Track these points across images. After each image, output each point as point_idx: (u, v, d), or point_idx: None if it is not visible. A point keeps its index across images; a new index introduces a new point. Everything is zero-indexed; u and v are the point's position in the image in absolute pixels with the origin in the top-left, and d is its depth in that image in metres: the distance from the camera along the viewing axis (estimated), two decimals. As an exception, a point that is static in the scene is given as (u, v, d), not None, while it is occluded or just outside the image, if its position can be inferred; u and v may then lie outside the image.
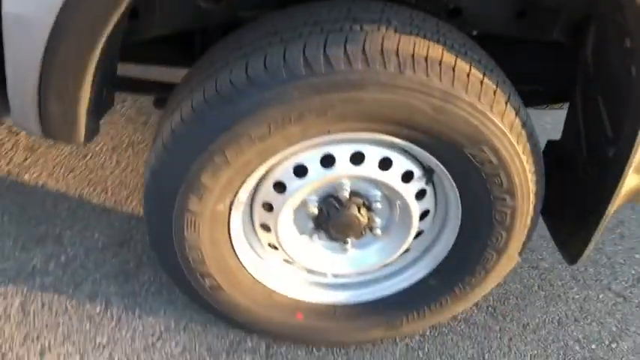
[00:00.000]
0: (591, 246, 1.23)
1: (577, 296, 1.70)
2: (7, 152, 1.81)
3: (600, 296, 1.71)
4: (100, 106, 1.12)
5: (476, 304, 1.59)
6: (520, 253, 1.25)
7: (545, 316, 1.61)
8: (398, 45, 0.97)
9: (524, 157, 1.08)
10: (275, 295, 1.28)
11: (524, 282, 1.70)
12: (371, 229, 1.22)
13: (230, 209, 1.14)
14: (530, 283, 1.70)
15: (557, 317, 1.62)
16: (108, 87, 1.15)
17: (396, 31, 0.99)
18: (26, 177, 1.74)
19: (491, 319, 1.58)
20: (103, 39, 0.92)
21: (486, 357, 1.48)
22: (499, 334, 1.54)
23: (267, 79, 0.97)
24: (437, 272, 1.28)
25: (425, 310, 1.32)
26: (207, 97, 1.00)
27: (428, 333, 1.50)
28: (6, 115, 1.05)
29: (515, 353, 1.50)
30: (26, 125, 1.06)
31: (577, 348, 1.55)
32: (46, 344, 1.31)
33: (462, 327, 1.54)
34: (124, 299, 1.43)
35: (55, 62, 0.94)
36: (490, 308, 1.60)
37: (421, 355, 1.45)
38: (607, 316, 1.65)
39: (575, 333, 1.58)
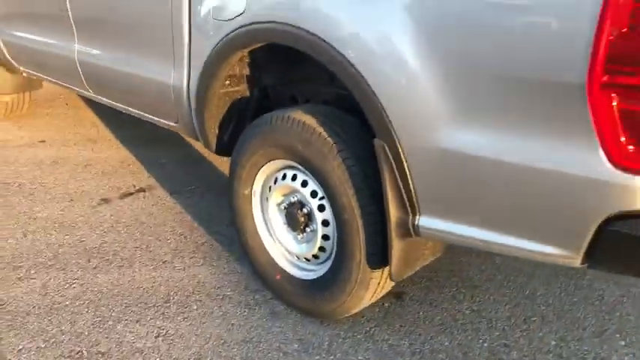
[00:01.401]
0: (392, 264, 1.82)
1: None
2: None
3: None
4: (230, 141, 2.49)
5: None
6: (369, 263, 1.92)
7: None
8: (293, 114, 2.01)
9: (344, 178, 1.86)
10: (269, 257, 2.31)
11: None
12: (306, 227, 2.15)
13: (251, 195, 2.30)
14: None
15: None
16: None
17: (301, 111, 2.03)
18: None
19: (417, 306, 2.09)
20: (212, 97, 2.30)
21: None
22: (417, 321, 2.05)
23: (252, 128, 2.17)
24: (332, 267, 2.06)
25: (327, 296, 2.08)
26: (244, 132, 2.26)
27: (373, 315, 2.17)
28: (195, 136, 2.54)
29: (420, 332, 2.00)
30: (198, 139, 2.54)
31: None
32: (182, 231, 2.68)
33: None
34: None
35: (195, 106, 2.39)
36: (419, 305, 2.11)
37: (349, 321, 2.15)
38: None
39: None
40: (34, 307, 2.28)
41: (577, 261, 1.47)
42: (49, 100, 4.91)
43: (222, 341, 2.12)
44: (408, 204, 1.72)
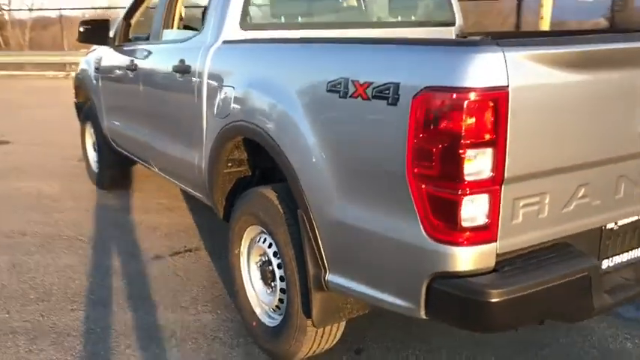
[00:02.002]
0: (312, 312, 2.25)
1: None
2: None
3: None
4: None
5: None
6: (304, 312, 2.37)
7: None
8: (262, 190, 2.58)
9: (287, 240, 2.37)
10: (250, 306, 2.83)
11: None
12: (272, 282, 2.66)
13: (239, 254, 2.87)
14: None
15: None
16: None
17: (269, 188, 2.59)
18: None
19: None
20: (218, 176, 2.94)
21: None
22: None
23: (239, 200, 2.77)
24: (284, 315, 2.54)
25: (281, 340, 2.55)
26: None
27: (308, 378, 2.58)
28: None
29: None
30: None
31: None
32: (205, 284, 3.26)
33: None
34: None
35: (207, 182, 3.03)
36: None
37: (290, 380, 2.57)
38: None
39: None
40: (74, 330, 2.97)
41: (421, 313, 1.84)
42: (149, 176, 5.88)
43: (199, 370, 2.64)
44: (320, 263, 2.19)
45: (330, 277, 2.16)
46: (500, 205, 1.69)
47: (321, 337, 2.45)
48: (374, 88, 1.82)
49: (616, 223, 2.08)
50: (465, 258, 1.70)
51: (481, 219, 1.68)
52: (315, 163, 2.11)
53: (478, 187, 1.65)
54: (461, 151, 1.61)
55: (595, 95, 1.80)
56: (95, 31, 4.39)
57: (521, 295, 1.69)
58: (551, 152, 1.76)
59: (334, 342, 2.55)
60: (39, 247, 4.09)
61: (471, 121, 1.60)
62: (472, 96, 1.59)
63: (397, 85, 1.75)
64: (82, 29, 4.38)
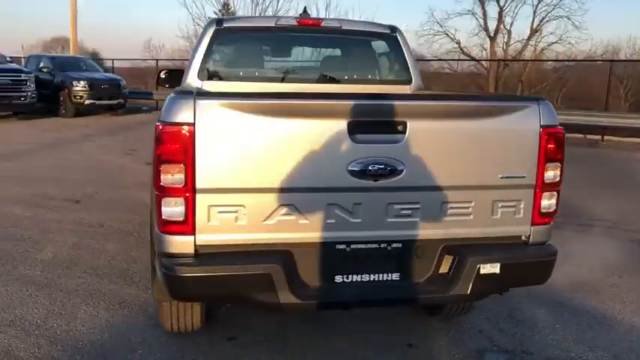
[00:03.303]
0: (153, 288, 3.02)
1: None
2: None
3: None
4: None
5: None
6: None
7: None
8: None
9: None
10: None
11: None
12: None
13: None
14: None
15: None
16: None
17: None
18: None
19: (237, 348, 3.17)
20: None
21: (162, 359, 3.19)
22: None
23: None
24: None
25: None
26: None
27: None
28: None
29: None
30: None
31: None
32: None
33: (180, 355, 3.25)
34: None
35: None
36: None
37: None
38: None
39: None
40: (68, 288, 4.10)
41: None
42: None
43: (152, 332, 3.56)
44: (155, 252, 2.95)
45: (155, 261, 2.92)
46: (195, 208, 2.34)
47: (177, 314, 3.17)
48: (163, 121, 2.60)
49: (348, 246, 2.51)
50: (170, 244, 2.37)
51: (179, 216, 2.35)
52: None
53: (174, 192, 2.32)
54: (160, 166, 2.32)
55: (290, 136, 2.34)
56: (172, 77, 5.66)
57: (201, 275, 2.31)
58: (243, 175, 2.33)
59: (195, 322, 3.24)
60: (101, 236, 5.40)
61: (168, 145, 2.30)
62: (168, 128, 2.30)
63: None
64: (162, 75, 5.68)
